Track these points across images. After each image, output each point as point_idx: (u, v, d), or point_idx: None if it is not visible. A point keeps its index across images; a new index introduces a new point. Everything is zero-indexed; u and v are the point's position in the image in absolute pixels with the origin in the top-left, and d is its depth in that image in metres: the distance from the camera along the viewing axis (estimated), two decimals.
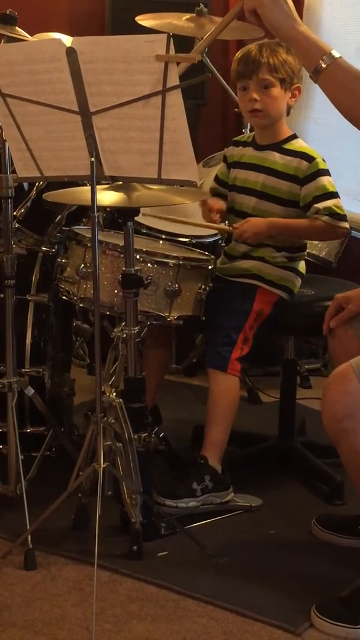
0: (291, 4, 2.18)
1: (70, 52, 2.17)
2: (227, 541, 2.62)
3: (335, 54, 2.15)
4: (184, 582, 2.39)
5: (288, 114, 2.91)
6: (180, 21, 3.47)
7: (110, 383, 2.66)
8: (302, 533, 2.66)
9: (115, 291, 2.70)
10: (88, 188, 2.36)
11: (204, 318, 2.84)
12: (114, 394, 2.54)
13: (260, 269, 2.89)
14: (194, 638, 2.20)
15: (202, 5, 3.49)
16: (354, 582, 2.28)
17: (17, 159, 2.46)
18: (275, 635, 2.21)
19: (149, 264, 2.73)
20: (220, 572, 2.46)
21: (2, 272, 2.69)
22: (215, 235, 3.25)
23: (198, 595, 2.35)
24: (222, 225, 2.94)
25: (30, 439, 2.91)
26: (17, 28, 2.80)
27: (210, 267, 2.87)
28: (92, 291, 2.43)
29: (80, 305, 2.86)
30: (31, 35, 2.94)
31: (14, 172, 2.55)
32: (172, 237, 3.12)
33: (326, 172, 2.84)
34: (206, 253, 3.05)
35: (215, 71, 3.72)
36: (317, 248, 3.58)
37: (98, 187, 2.35)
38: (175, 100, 2.17)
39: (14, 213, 2.80)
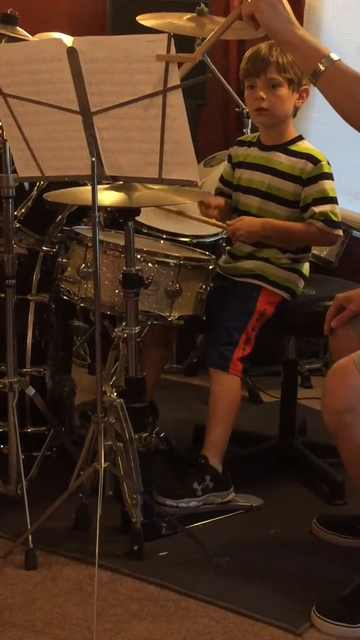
0: (288, 8, 2.18)
1: (71, 51, 2.17)
2: (228, 541, 2.62)
3: (334, 56, 2.14)
4: (185, 582, 2.39)
5: (295, 115, 2.91)
6: (181, 21, 3.47)
7: (111, 383, 2.66)
8: (303, 533, 2.66)
9: (116, 291, 2.70)
10: (89, 188, 2.36)
11: (205, 318, 2.84)
12: (115, 393, 2.54)
13: (264, 270, 2.89)
14: (194, 638, 2.20)
15: (202, 5, 3.49)
16: (354, 582, 2.28)
17: (17, 158, 2.46)
18: (276, 635, 2.21)
19: (149, 264, 2.73)
20: (221, 572, 2.46)
21: (2, 271, 2.69)
22: (216, 235, 3.25)
23: (199, 595, 2.35)
24: (217, 222, 2.92)
25: (31, 439, 2.91)
26: (17, 28, 2.81)
27: (211, 267, 2.87)
28: (92, 291, 2.43)
29: (81, 305, 2.86)
30: (32, 35, 2.94)
31: (14, 171, 2.55)
32: (172, 237, 3.12)
33: (329, 176, 2.83)
34: (207, 253, 3.05)
35: (216, 71, 3.72)
36: (318, 248, 3.58)
37: (99, 186, 2.35)
38: (176, 100, 2.17)
39: (15, 213, 2.80)
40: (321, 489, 2.92)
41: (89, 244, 2.75)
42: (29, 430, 2.92)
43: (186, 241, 3.15)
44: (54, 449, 2.93)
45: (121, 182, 2.45)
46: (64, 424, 3.01)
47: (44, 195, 2.63)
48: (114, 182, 2.44)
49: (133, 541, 2.49)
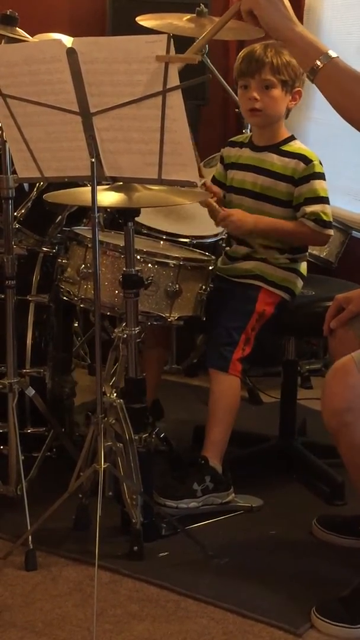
0: (288, 5, 2.18)
1: (71, 52, 2.17)
2: (228, 542, 2.62)
3: (332, 54, 2.14)
4: (185, 583, 2.39)
5: (287, 116, 2.91)
6: (180, 22, 3.47)
7: (110, 383, 2.66)
8: (303, 533, 2.66)
9: (116, 292, 2.70)
10: (88, 189, 2.36)
11: (205, 318, 2.85)
12: (115, 394, 2.54)
13: (262, 270, 2.89)
14: (194, 638, 2.20)
15: (202, 5, 3.49)
16: (354, 583, 2.28)
17: (17, 159, 2.46)
18: (276, 636, 2.21)
19: (149, 265, 2.73)
20: (221, 573, 2.46)
21: (2, 272, 2.69)
22: (216, 235, 3.25)
23: (199, 596, 2.35)
24: (213, 202, 2.90)
25: (30, 440, 2.91)
26: (17, 29, 2.80)
27: (210, 268, 2.87)
28: (92, 292, 2.43)
29: (81, 305, 2.86)
30: (32, 36, 2.94)
31: (14, 172, 2.56)
32: (172, 238, 3.12)
33: (321, 176, 2.84)
34: (207, 253, 3.05)
35: (216, 71, 3.72)
36: (317, 249, 3.58)
37: (98, 187, 2.35)
38: (176, 100, 2.17)
39: (15, 213, 2.81)
40: (321, 490, 2.92)
41: (89, 245, 2.75)
42: (29, 430, 2.92)
43: (186, 242, 3.14)
44: (54, 449, 2.93)
45: (121, 183, 2.45)
46: (64, 425, 3.01)
47: (43, 196, 2.63)
48: (113, 182, 2.44)
49: (133, 542, 2.49)
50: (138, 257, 2.68)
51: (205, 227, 3.09)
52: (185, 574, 2.44)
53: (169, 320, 2.76)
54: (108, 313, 2.78)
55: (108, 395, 2.52)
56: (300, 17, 4.17)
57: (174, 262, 2.76)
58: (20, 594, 2.36)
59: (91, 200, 2.30)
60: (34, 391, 2.75)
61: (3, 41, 2.74)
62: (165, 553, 2.54)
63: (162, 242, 3.07)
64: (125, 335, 2.57)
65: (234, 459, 2.88)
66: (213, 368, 2.82)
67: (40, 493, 2.65)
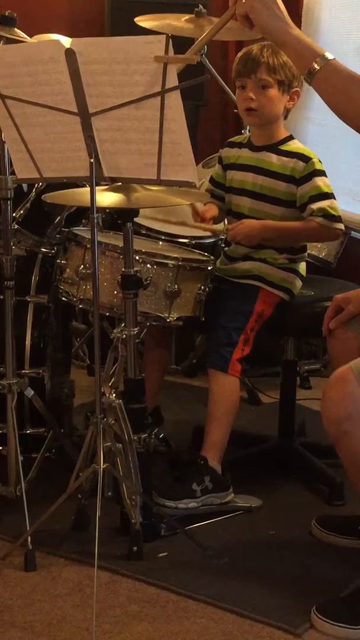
0: (283, 8, 2.18)
1: (69, 53, 2.17)
2: (227, 542, 2.62)
3: (329, 55, 2.14)
4: (184, 583, 2.40)
5: (286, 117, 2.91)
6: (179, 22, 3.47)
7: (110, 384, 2.66)
8: (302, 534, 2.66)
9: (115, 292, 2.70)
10: (87, 189, 2.36)
11: (204, 319, 2.85)
12: (114, 394, 2.54)
13: (261, 270, 2.89)
14: (194, 639, 2.20)
15: (201, 6, 3.49)
16: (354, 583, 2.28)
17: (16, 160, 2.46)
18: (276, 636, 2.21)
19: (148, 265, 2.73)
20: (221, 573, 2.46)
21: (1, 273, 2.69)
22: (215, 236, 3.25)
23: (198, 596, 2.35)
24: (215, 227, 2.93)
25: (30, 440, 2.91)
26: (16, 29, 2.80)
27: (209, 268, 2.87)
28: (91, 292, 2.43)
29: (80, 306, 2.86)
30: (30, 37, 2.94)
31: (13, 173, 2.56)
32: (171, 238, 3.12)
33: (322, 173, 2.84)
34: (206, 254, 3.05)
35: (215, 72, 3.72)
36: (316, 249, 3.58)
37: (97, 188, 2.35)
38: (175, 101, 2.17)
39: (14, 214, 2.80)
40: (320, 490, 2.92)
41: (88, 246, 2.75)
42: (28, 431, 2.91)
43: (185, 242, 3.15)
44: (53, 450, 2.93)
45: (119, 184, 2.46)
46: (63, 425, 3.01)
47: (42, 197, 2.64)
48: (112, 183, 2.44)
49: (132, 542, 2.49)
50: (137, 257, 2.68)
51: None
52: (184, 574, 2.44)
53: (168, 320, 2.77)
54: (107, 314, 2.78)
55: (107, 395, 2.52)
56: (298, 18, 4.22)
57: (173, 262, 2.76)
58: (20, 594, 2.36)
59: (90, 201, 2.30)
60: (33, 392, 2.75)
61: (1, 42, 2.73)
62: (165, 553, 2.54)
63: (161, 243, 3.08)
64: (124, 336, 2.57)
65: (233, 459, 2.88)
66: (212, 368, 2.82)
67: (39, 494, 2.65)
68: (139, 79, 2.17)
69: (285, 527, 2.71)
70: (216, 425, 2.80)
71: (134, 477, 2.50)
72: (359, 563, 2.42)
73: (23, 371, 2.89)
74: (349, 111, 2.14)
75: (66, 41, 2.21)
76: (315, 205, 2.80)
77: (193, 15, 3.49)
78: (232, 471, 2.81)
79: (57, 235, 2.99)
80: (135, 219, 2.56)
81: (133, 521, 2.49)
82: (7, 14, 2.80)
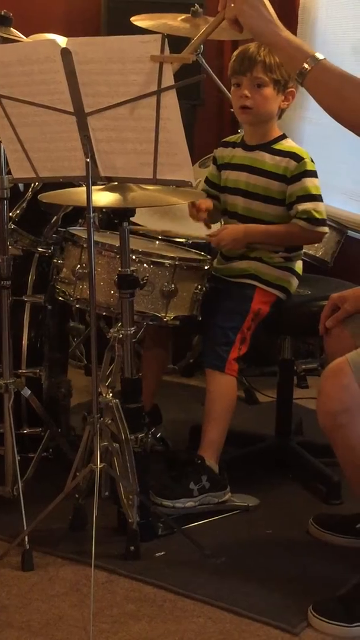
0: (272, 10, 2.18)
1: (65, 52, 2.17)
2: (225, 541, 2.62)
3: (319, 56, 2.14)
4: (182, 582, 2.40)
5: (280, 117, 2.91)
6: (175, 22, 3.47)
7: (106, 384, 2.66)
8: (300, 533, 2.66)
9: (112, 292, 2.70)
10: (83, 189, 2.36)
11: (200, 318, 2.85)
12: (111, 394, 2.54)
13: (257, 269, 2.89)
14: (191, 638, 2.20)
15: (197, 5, 3.50)
16: (351, 582, 2.29)
17: (12, 159, 2.46)
18: (273, 635, 2.21)
19: (145, 265, 2.73)
20: (218, 572, 2.46)
21: None
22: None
23: (195, 595, 2.35)
24: (201, 234, 2.93)
25: (27, 440, 2.91)
26: (11, 29, 2.80)
27: (206, 268, 2.87)
28: (88, 292, 2.43)
29: (77, 306, 2.86)
30: (26, 37, 2.94)
31: (9, 173, 2.55)
32: (168, 238, 3.12)
33: (313, 174, 2.84)
34: (202, 253, 3.05)
35: (211, 71, 3.72)
36: (313, 248, 3.57)
37: (94, 187, 2.35)
38: (170, 100, 2.17)
39: (10, 214, 2.80)
40: (317, 489, 2.92)
41: (84, 245, 2.75)
42: (25, 431, 2.91)
43: (181, 242, 3.15)
44: (50, 450, 2.93)
45: (116, 183, 2.45)
46: (60, 425, 3.00)
47: (38, 197, 2.63)
48: (108, 182, 2.44)
49: (129, 542, 2.49)
50: (133, 257, 2.68)
51: (201, 227, 3.08)
52: (182, 573, 2.44)
53: (164, 320, 2.77)
54: (104, 313, 2.78)
55: (104, 395, 2.52)
56: (295, 17, 4.22)
57: (169, 262, 2.76)
58: (17, 594, 2.36)
59: (86, 201, 2.30)
60: (30, 391, 2.75)
61: None
62: (162, 553, 2.54)
63: (157, 242, 3.08)
64: (121, 336, 2.57)
65: (230, 459, 2.88)
66: (209, 368, 2.82)
67: (36, 493, 2.65)
68: (135, 78, 2.17)
69: (283, 526, 2.71)
70: (213, 425, 2.80)
71: (131, 477, 2.50)
72: (356, 562, 2.42)
73: (20, 371, 2.89)
74: (341, 110, 2.14)
75: (62, 41, 2.21)
76: (300, 206, 2.81)
77: (189, 15, 3.49)
78: (230, 470, 2.81)
79: (54, 235, 2.99)
80: (136, 216, 2.56)
81: (130, 521, 2.49)
82: (3, 13, 2.80)
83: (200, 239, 3.09)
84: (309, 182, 2.82)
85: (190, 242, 3.17)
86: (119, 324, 2.58)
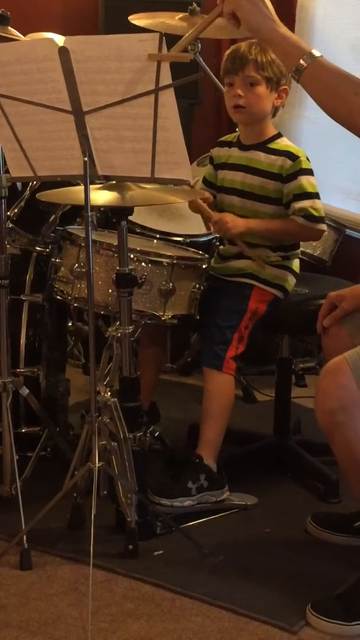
0: (270, 6, 2.18)
1: (63, 51, 2.17)
2: (223, 540, 2.62)
3: (316, 53, 2.14)
4: (180, 581, 2.40)
5: (274, 115, 2.91)
6: (173, 20, 3.47)
7: (105, 382, 2.66)
8: (298, 531, 2.66)
9: (110, 290, 2.70)
10: (81, 188, 2.36)
11: (198, 317, 2.85)
12: (109, 393, 2.54)
13: (255, 268, 2.89)
14: (189, 637, 2.20)
15: (194, 4, 3.50)
16: (350, 580, 2.29)
17: (10, 158, 2.46)
18: (271, 634, 2.21)
19: (143, 263, 2.73)
20: (216, 571, 2.46)
21: None
22: (209, 234, 3.25)
23: (194, 594, 2.35)
24: (204, 206, 2.90)
25: (25, 439, 2.91)
26: (9, 28, 2.80)
27: (204, 266, 2.87)
28: (86, 291, 2.43)
29: (75, 305, 2.86)
30: (24, 35, 2.94)
31: (7, 171, 2.55)
32: (166, 237, 3.12)
33: (308, 172, 2.84)
34: (200, 252, 3.05)
35: (208, 70, 3.72)
36: (311, 247, 3.57)
37: (92, 186, 2.35)
38: (168, 99, 2.17)
39: (8, 213, 2.80)
40: (316, 488, 2.92)
41: (82, 244, 2.75)
42: (23, 430, 2.91)
43: (179, 240, 3.14)
44: (48, 449, 2.93)
45: (114, 182, 2.45)
46: (58, 424, 3.01)
47: (36, 195, 2.63)
48: (106, 181, 2.44)
49: (128, 540, 2.49)
50: (131, 256, 2.68)
51: (199, 225, 3.09)
52: (180, 572, 2.44)
53: (162, 319, 2.77)
54: (102, 312, 2.78)
55: (102, 394, 2.52)
56: (292, 15, 4.22)
57: (167, 260, 2.76)
58: (15, 593, 2.36)
59: (84, 199, 2.30)
60: (28, 390, 2.75)
61: None
62: (160, 552, 2.54)
63: (155, 241, 3.07)
64: (119, 334, 2.57)
65: (228, 458, 2.88)
66: (207, 367, 2.82)
67: (34, 492, 2.65)
68: (132, 77, 2.16)
69: (281, 524, 2.72)
70: (211, 424, 2.80)
71: (129, 476, 2.50)
72: (355, 560, 2.42)
73: (18, 370, 2.89)
74: (337, 108, 2.14)
75: (60, 39, 2.21)
76: (297, 205, 2.81)
77: (187, 14, 3.49)
78: (228, 469, 2.81)
79: (52, 234, 2.99)
80: (134, 215, 2.56)
81: (128, 519, 2.49)
82: (0, 12, 2.80)
83: (204, 212, 3.06)
84: (304, 180, 2.82)
85: (188, 241, 3.16)
86: (117, 323, 2.58)
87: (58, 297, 2.86)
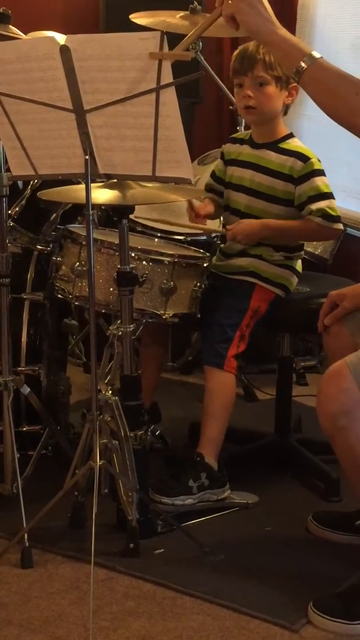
0: (269, 8, 2.18)
1: (64, 50, 2.17)
2: (224, 538, 2.62)
3: (316, 54, 2.14)
4: (181, 580, 2.40)
5: (286, 113, 2.91)
6: (174, 19, 3.47)
7: (106, 381, 2.66)
8: (299, 530, 2.66)
9: (111, 289, 2.70)
10: (82, 186, 2.36)
11: (199, 315, 2.85)
12: (110, 391, 2.54)
13: (257, 267, 2.89)
14: (190, 635, 2.20)
15: (196, 3, 3.50)
16: (351, 578, 2.29)
17: (11, 157, 2.45)
18: (273, 632, 2.21)
19: (144, 262, 2.73)
20: (217, 570, 2.46)
21: None
22: (211, 233, 3.25)
23: (195, 593, 2.35)
24: (215, 227, 2.94)
25: (26, 438, 2.91)
26: (10, 26, 2.81)
27: (205, 265, 2.87)
28: (87, 289, 2.43)
29: (76, 303, 2.86)
30: (25, 34, 2.94)
31: (8, 170, 2.55)
32: (167, 235, 3.12)
33: (321, 173, 2.84)
34: (201, 250, 3.05)
35: (210, 69, 3.72)
36: (312, 245, 3.58)
37: (93, 185, 2.35)
38: (169, 97, 2.17)
39: (9, 212, 2.80)
40: (317, 486, 2.92)
41: (83, 243, 2.75)
42: (24, 429, 2.91)
43: (180, 239, 3.14)
44: (49, 447, 2.93)
45: (115, 180, 2.45)
46: (59, 423, 3.01)
47: (37, 194, 2.63)
48: (107, 180, 2.44)
49: (129, 539, 2.49)
50: (132, 254, 2.68)
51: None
52: (181, 570, 2.44)
53: (163, 317, 2.77)
54: (103, 311, 2.78)
55: (103, 392, 2.52)
56: (293, 15, 4.22)
57: (168, 259, 2.76)
58: (17, 591, 2.36)
59: (85, 198, 2.30)
60: (29, 389, 2.75)
61: None
62: (161, 550, 2.54)
63: (156, 240, 3.07)
64: (120, 333, 2.57)
65: (229, 456, 2.89)
66: (208, 365, 2.83)
67: (35, 491, 2.65)
68: (133, 75, 2.16)
69: (282, 523, 2.72)
70: (212, 422, 2.80)
71: (130, 474, 2.50)
72: (356, 559, 2.42)
73: (19, 368, 2.89)
74: (337, 109, 2.14)
75: (61, 38, 2.21)
76: (314, 206, 2.81)
77: (188, 12, 3.49)
78: (229, 468, 2.81)
79: (53, 233, 2.99)
80: (130, 216, 2.55)
81: (129, 518, 2.49)
82: (1, 10, 2.80)
83: (214, 231, 3.07)
84: (319, 180, 2.82)
85: (189, 239, 3.16)
86: (118, 322, 2.58)
87: (59, 295, 2.86)
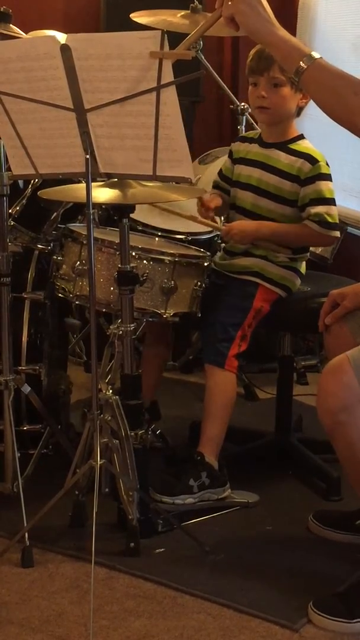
0: (268, 9, 2.18)
1: (65, 49, 2.17)
2: (224, 537, 2.62)
3: (315, 54, 2.14)
4: (181, 579, 2.40)
5: (299, 114, 2.91)
6: (174, 18, 3.47)
7: (106, 380, 2.66)
8: (299, 529, 2.67)
9: (111, 288, 2.70)
10: (83, 185, 2.36)
11: (200, 314, 2.84)
12: (111, 391, 2.54)
13: (261, 267, 2.89)
14: (191, 634, 2.20)
15: (196, 2, 3.50)
16: (351, 578, 2.29)
17: (11, 156, 2.46)
18: (273, 631, 2.21)
19: (144, 261, 2.73)
20: (218, 569, 2.46)
21: None
22: (211, 232, 3.26)
23: (195, 592, 2.35)
24: (212, 222, 2.93)
25: (27, 437, 2.91)
26: (11, 25, 2.80)
27: (205, 264, 2.87)
28: (88, 288, 2.43)
29: (76, 302, 2.86)
30: (26, 33, 2.94)
31: (8, 169, 2.55)
32: (167, 234, 3.12)
33: (327, 177, 2.83)
34: (202, 250, 3.05)
35: (210, 68, 3.72)
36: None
37: (93, 184, 2.35)
38: (170, 96, 2.17)
39: (10, 211, 2.80)
40: (317, 485, 2.93)
41: (84, 242, 2.75)
42: (25, 428, 2.91)
43: (181, 238, 3.14)
44: (50, 446, 2.93)
45: (115, 179, 2.45)
46: (60, 422, 3.01)
47: (38, 193, 2.63)
48: (108, 179, 2.44)
49: (129, 538, 2.49)
50: (133, 253, 2.68)
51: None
52: (181, 570, 2.44)
53: (164, 316, 2.77)
54: (103, 310, 2.78)
55: (104, 392, 2.52)
56: (294, 14, 4.22)
57: (169, 258, 2.76)
58: (17, 591, 2.36)
59: (86, 197, 2.30)
60: (29, 388, 2.75)
61: None
62: (162, 549, 2.54)
63: (157, 239, 3.07)
64: (120, 332, 2.57)
65: (230, 455, 2.89)
66: (209, 364, 2.83)
67: (36, 490, 2.65)
68: (134, 74, 2.16)
69: (282, 522, 2.72)
70: (213, 421, 2.80)
71: (130, 473, 2.50)
72: (356, 558, 2.42)
73: (20, 368, 2.89)
74: (337, 109, 2.14)
75: (62, 37, 2.21)
76: (313, 209, 2.80)
77: (188, 11, 3.49)
78: (229, 467, 2.81)
79: (53, 232, 2.99)
80: (136, 213, 2.56)
81: (130, 517, 2.50)
82: (2, 10, 2.80)
83: (214, 227, 3.07)
84: (323, 185, 2.82)
85: (190, 238, 3.16)
86: (119, 321, 2.59)
87: (60, 294, 2.86)
